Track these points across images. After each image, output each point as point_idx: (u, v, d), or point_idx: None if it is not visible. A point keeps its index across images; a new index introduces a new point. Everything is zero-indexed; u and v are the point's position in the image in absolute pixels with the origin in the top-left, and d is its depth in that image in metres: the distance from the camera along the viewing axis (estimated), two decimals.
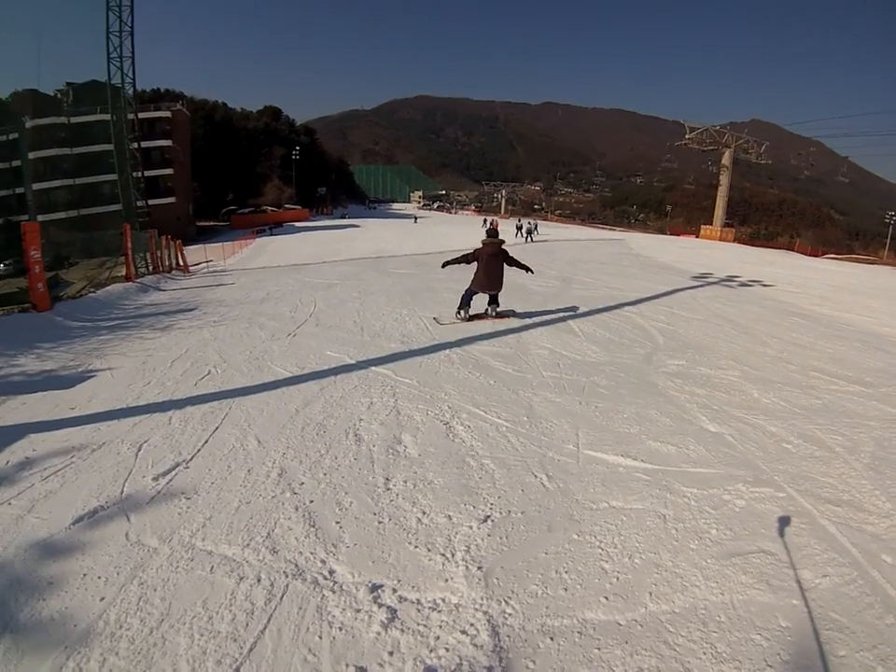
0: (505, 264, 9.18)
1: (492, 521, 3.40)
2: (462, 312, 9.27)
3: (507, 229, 40.37)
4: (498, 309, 9.59)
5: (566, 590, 2.80)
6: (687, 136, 60.54)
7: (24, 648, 2.46)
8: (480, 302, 9.52)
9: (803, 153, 61.23)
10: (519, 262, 9.42)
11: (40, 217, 38.87)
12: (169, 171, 54.66)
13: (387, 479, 3.90)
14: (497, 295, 9.39)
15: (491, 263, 8.97)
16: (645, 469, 4.10)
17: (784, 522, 3.39)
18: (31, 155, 47.05)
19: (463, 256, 9.32)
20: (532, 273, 10.11)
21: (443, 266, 9.73)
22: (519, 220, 41.50)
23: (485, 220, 50.78)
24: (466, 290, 9.25)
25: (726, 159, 60.00)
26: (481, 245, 9.14)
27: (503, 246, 9.24)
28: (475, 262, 9.09)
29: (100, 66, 37.45)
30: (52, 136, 48.13)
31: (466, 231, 45.52)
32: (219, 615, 2.63)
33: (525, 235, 35.89)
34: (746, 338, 8.54)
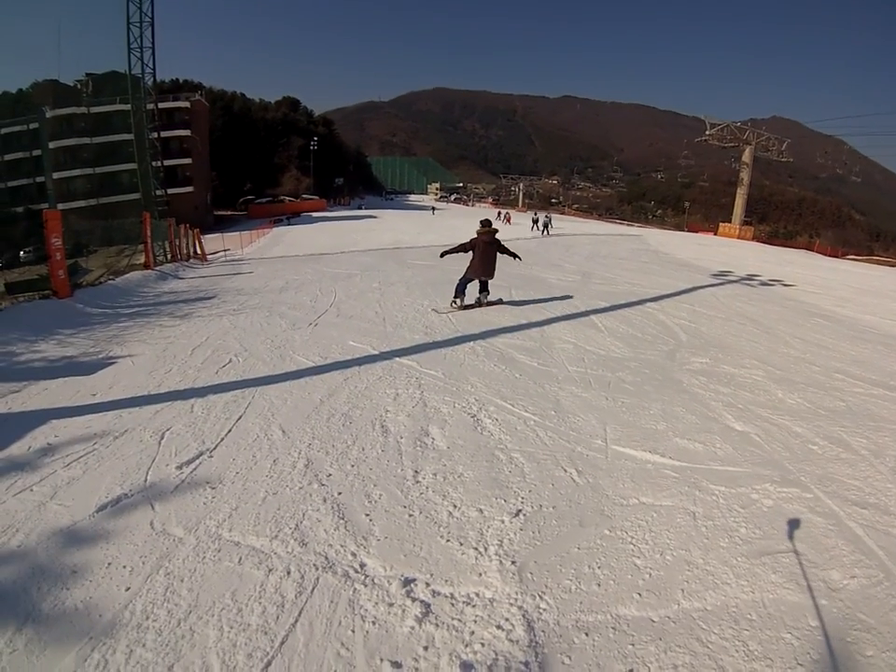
0: (498, 252, 9.66)
1: (524, 515, 3.36)
2: (458, 300, 9.66)
3: (523, 222, 40.40)
4: (489, 297, 10.02)
5: (599, 585, 2.77)
6: (707, 132, 59.96)
7: (47, 639, 2.43)
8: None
9: (829, 151, 60.02)
10: (509, 250, 9.95)
11: (60, 206, 39.13)
12: (187, 160, 54.95)
13: (416, 471, 3.87)
14: (487, 283, 9.88)
15: (487, 251, 9.47)
16: (673, 465, 4.06)
17: (812, 523, 3.35)
18: (51, 144, 47.49)
19: (461, 245, 9.69)
20: (520, 260, 10.75)
21: (442, 255, 10.10)
22: (535, 214, 42.08)
23: (499, 213, 51.33)
24: (461, 279, 9.64)
25: (746, 156, 59.37)
26: (476, 235, 9.54)
27: (497, 236, 9.71)
28: (471, 251, 9.53)
29: (120, 57, 37.74)
30: (72, 126, 48.59)
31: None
32: (249, 607, 2.59)
33: (541, 228, 36.28)
34: (768, 338, 8.43)
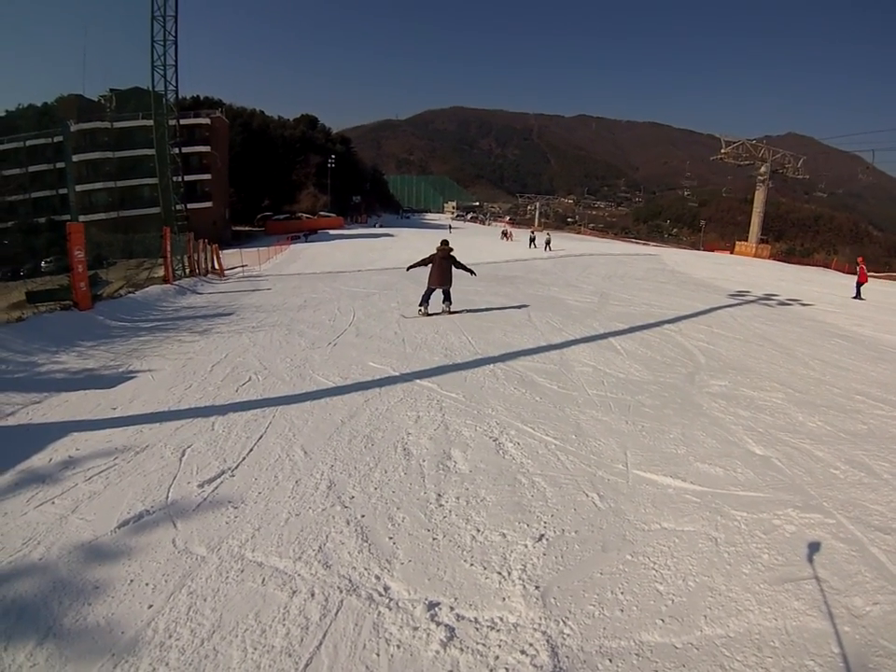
0: (453, 266, 11.31)
1: (546, 540, 3.36)
2: (423, 307, 11.27)
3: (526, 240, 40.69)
4: (452, 307, 11.54)
5: (622, 611, 2.77)
6: (723, 151, 59.55)
7: (68, 654, 2.44)
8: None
9: (870, 167, 58.69)
10: (464, 265, 11.69)
11: (81, 218, 39.68)
12: (207, 176, 55.49)
13: (439, 495, 3.86)
14: (449, 292, 11.45)
15: (442, 264, 11.14)
16: (694, 490, 4.03)
17: (835, 549, 3.33)
18: (74, 158, 48.27)
19: (422, 260, 11.51)
20: (475, 275, 12.42)
21: (408, 269, 12.21)
22: (532, 233, 45.15)
23: (503, 233, 54.38)
24: (425, 290, 11.30)
25: (762, 173, 58.89)
26: (435, 251, 11.26)
27: (452, 253, 11.36)
28: (430, 264, 11.22)
29: (143, 74, 38.29)
30: (95, 140, 49.40)
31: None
32: (273, 629, 2.59)
33: (544, 245, 39.00)
34: (788, 359, 8.35)
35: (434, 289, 11.24)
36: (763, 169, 58.73)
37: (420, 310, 11.24)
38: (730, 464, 4.49)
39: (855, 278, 20.48)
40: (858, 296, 19.27)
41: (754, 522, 3.60)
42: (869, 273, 20.83)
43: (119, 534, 3.36)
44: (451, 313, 11.40)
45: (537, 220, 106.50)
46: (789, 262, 51.00)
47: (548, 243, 39.41)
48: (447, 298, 11.46)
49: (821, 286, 23.98)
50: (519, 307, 12.35)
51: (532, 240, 41.58)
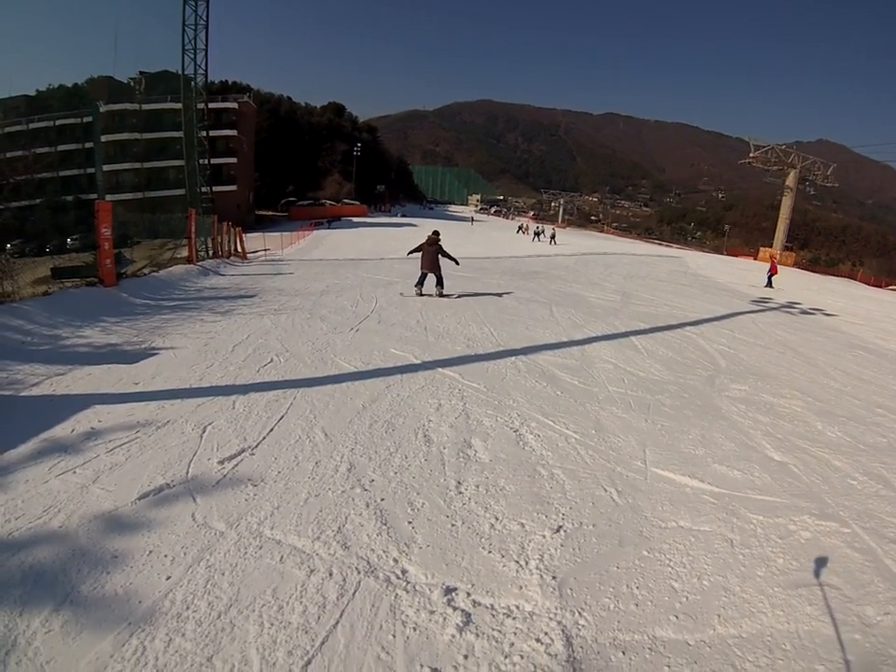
0: (439, 254, 12.61)
1: (564, 531, 3.37)
2: (418, 288, 12.70)
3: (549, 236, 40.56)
4: (443, 291, 12.72)
5: (636, 605, 2.78)
6: (751, 155, 58.59)
7: (84, 622, 2.47)
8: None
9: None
10: (449, 255, 12.97)
11: (108, 197, 39.94)
12: (232, 160, 55.58)
13: (459, 482, 3.88)
14: (440, 277, 12.71)
15: (428, 251, 12.56)
16: (712, 491, 4.04)
17: (849, 558, 3.32)
18: (103, 138, 48.67)
19: (415, 248, 12.94)
20: (458, 264, 13.72)
21: (408, 255, 13.59)
22: (539, 227, 46.78)
23: (519, 227, 55.44)
24: (420, 274, 12.74)
25: (790, 180, 57.78)
26: (425, 240, 12.71)
27: (439, 243, 12.70)
28: (420, 252, 12.70)
29: (172, 57, 38.28)
30: (124, 121, 49.69)
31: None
32: (290, 606, 2.61)
33: (549, 239, 41.11)
34: (809, 368, 8.31)
35: (426, 273, 12.68)
36: (790, 175, 57.78)
37: (416, 290, 12.66)
38: (748, 467, 4.49)
39: (767, 268, 23.73)
40: (769, 284, 22.34)
41: (770, 526, 3.61)
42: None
43: (139, 505, 3.40)
44: (441, 296, 12.62)
45: (560, 217, 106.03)
46: (813, 271, 50.36)
47: (553, 237, 41.13)
48: (439, 282, 12.70)
49: (845, 296, 23.77)
50: (541, 302, 12.36)
51: (537, 234, 43.08)
